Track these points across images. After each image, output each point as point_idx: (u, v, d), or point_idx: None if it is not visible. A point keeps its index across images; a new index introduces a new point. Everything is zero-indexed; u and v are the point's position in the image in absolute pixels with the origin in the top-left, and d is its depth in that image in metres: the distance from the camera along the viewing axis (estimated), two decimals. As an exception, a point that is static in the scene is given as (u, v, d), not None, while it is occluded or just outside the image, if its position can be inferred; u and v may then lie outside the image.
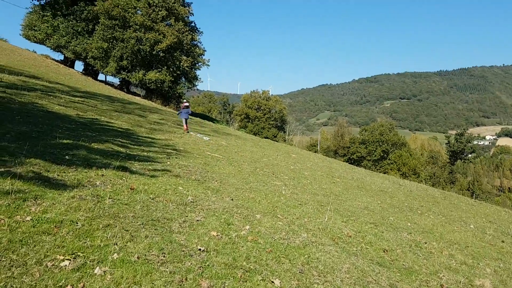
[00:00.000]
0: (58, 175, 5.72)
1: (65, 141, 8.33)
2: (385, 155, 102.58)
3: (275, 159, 17.98)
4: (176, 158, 10.29)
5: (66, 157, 6.96)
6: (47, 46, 46.90)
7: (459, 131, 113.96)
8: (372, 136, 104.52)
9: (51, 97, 16.18)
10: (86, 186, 5.62)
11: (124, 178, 6.57)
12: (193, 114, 52.13)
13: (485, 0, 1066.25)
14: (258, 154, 18.10)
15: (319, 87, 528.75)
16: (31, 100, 13.85)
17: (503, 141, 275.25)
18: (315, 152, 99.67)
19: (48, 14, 45.51)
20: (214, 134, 22.33)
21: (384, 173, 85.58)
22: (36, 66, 33.41)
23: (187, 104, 21.54)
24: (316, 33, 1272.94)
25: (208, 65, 49.46)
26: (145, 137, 13.34)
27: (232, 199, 7.45)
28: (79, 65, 51.34)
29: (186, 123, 20.10)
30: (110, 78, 52.23)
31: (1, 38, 72.68)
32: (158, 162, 9.06)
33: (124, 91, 45.35)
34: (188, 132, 18.82)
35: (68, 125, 10.85)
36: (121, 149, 9.35)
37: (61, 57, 49.64)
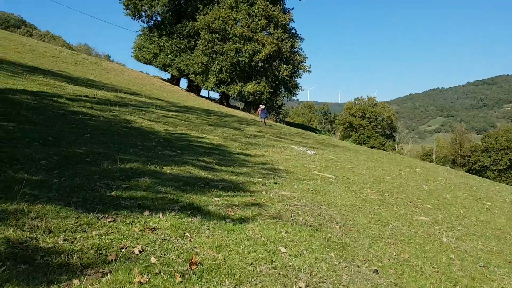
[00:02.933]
0: (64, 239, 3.33)
1: (128, 165, 6.25)
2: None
3: (400, 177, 14.40)
4: (275, 183, 7.66)
5: (113, 192, 4.73)
6: (155, 66, 49.00)
7: None
8: (496, 143, 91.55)
9: (143, 112, 14.93)
10: (109, 262, 3.13)
11: (187, 234, 4.03)
12: (292, 124, 49.88)
13: None
14: (377, 170, 14.69)
15: (429, 92, 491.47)
16: (119, 116, 12.55)
17: None
18: (430, 161, 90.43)
19: (155, 34, 47.64)
20: (318, 146, 19.42)
21: (513, 185, 73.70)
22: (141, 84, 34.22)
23: (263, 107, 29.61)
24: (423, 34, 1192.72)
25: (310, 71, 46.69)
26: (238, 153, 11.03)
27: (377, 271, 4.47)
28: (184, 83, 52.88)
29: (264, 120, 27.42)
30: (212, 94, 52.77)
31: (120, 62, 79.77)
32: (250, 192, 6.52)
33: (224, 105, 44.99)
34: (265, 124, 24.83)
35: (148, 143, 8.96)
36: (202, 173, 7.04)
37: (168, 76, 51.57)
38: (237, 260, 3.75)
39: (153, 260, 3.32)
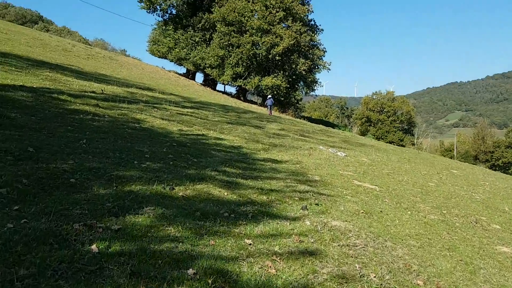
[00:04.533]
0: None
1: (128, 187, 4.72)
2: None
3: (443, 182, 12.65)
4: (316, 204, 6.04)
5: (93, 245, 3.13)
6: (170, 60, 47.68)
7: None
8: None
9: (156, 109, 13.46)
10: None
11: None
12: (311, 120, 48.09)
13: None
14: (416, 175, 12.96)
15: (447, 86, 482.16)
16: (127, 114, 11.09)
17: None
18: (451, 157, 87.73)
19: (170, 27, 46.28)
20: (346, 146, 17.71)
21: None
22: (155, 79, 32.85)
23: (270, 96, 33.47)
24: (442, 26, 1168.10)
25: (329, 69, 44.74)
26: (263, 159, 9.45)
27: None
28: (200, 77, 51.55)
29: (270, 109, 30.08)
30: (228, 88, 51.30)
31: (135, 57, 78.77)
32: (289, 220, 4.93)
33: (241, 99, 43.43)
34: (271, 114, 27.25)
35: (158, 149, 7.45)
36: (225, 193, 5.49)
37: (184, 71, 50.22)
38: None
39: None
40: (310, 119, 50.21)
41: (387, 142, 69.37)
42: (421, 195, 9.29)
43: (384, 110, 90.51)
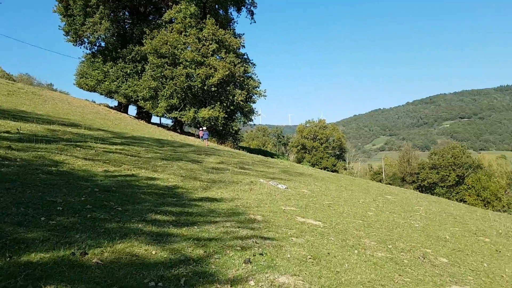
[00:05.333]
0: None
1: (25, 256, 3.75)
2: (460, 180, 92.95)
3: (381, 210, 12.66)
4: (261, 253, 5.38)
5: None
6: (99, 93, 45.54)
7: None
8: (443, 160, 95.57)
9: (79, 148, 12.21)
10: None
11: None
12: (250, 150, 48.02)
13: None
14: (355, 204, 12.88)
15: (371, 112, 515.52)
16: (44, 156, 9.82)
17: None
18: (380, 180, 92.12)
19: (99, 60, 44.41)
20: (286, 177, 17.46)
21: (461, 200, 76.21)
22: (83, 114, 30.86)
23: (204, 128, 35.58)
24: (363, 56, 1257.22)
25: (265, 96, 45.37)
26: (201, 199, 8.71)
27: None
28: (133, 110, 49.63)
29: (206, 140, 33.35)
30: (164, 120, 49.91)
31: (63, 91, 74.18)
32: (228, 283, 4.22)
33: (177, 132, 42.30)
34: (207, 146, 29.29)
35: (74, 197, 6.44)
36: (153, 252, 4.65)
37: (115, 104, 48.15)
38: None
39: None
40: (249, 149, 50.16)
41: (321, 168, 71.33)
42: (363, 228, 9.04)
43: (317, 137, 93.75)
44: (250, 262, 4.94)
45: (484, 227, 13.24)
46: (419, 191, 69.59)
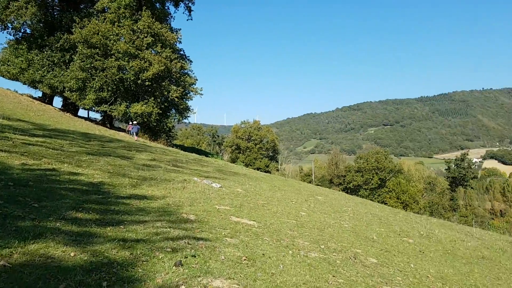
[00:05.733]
0: None
1: None
2: (382, 183, 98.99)
3: (312, 211, 12.91)
4: (193, 255, 5.09)
5: None
6: (23, 83, 41.77)
7: (459, 155, 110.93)
8: (367, 164, 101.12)
9: (-8, 138, 10.96)
10: None
11: None
12: (184, 148, 47.05)
13: (461, 26, 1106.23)
14: (288, 204, 13.00)
15: (304, 116, 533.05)
16: None
17: (490, 164, 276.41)
18: (310, 182, 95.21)
19: (23, 47, 40.78)
20: (220, 176, 17.22)
21: (383, 202, 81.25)
22: (1, 103, 28.08)
23: (135, 122, 34.86)
24: (299, 62, 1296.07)
25: (201, 94, 44.69)
26: (130, 197, 8.19)
27: None
28: (58, 102, 46.26)
29: (136, 135, 32.42)
30: (93, 114, 47.14)
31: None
32: None
33: (107, 127, 40.10)
34: (136, 140, 28.03)
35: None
36: (70, 255, 4.18)
37: (40, 94, 44.48)
38: None
39: None
40: (183, 147, 49.07)
41: (255, 168, 72.04)
42: (297, 228, 9.08)
43: (252, 138, 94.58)
44: (182, 265, 4.63)
45: (407, 228, 14.03)
46: (345, 192, 73.04)
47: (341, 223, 11.70)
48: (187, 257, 4.96)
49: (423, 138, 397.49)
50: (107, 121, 43.00)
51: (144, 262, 4.54)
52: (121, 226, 5.80)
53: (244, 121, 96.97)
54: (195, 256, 5.05)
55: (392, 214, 18.52)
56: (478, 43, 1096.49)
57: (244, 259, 5.44)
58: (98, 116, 44.79)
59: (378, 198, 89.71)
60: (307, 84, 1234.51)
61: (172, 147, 39.66)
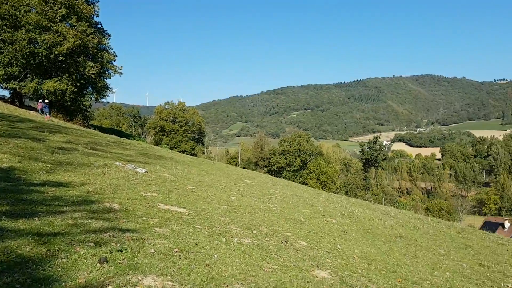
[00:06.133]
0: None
1: None
2: (304, 165, 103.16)
3: (242, 195, 12.85)
4: (120, 250, 4.66)
5: None
6: None
7: (372, 138, 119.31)
8: (291, 147, 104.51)
9: None
10: None
11: None
12: (102, 129, 44.36)
13: (374, 17, 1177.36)
14: (218, 189, 12.78)
15: (230, 99, 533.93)
16: None
17: (398, 146, 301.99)
18: (236, 164, 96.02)
19: None
20: (145, 160, 16.43)
21: (304, 183, 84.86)
22: None
23: (47, 101, 32.53)
24: (225, 44, 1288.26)
25: (121, 73, 42.26)
26: (44, 183, 7.38)
27: None
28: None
29: (46, 114, 31.23)
30: (1, 92, 42.32)
31: None
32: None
33: (16, 105, 36.32)
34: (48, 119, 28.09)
35: None
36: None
37: None
38: None
39: None
40: (102, 129, 46.21)
41: (180, 151, 70.59)
42: (228, 213, 8.91)
43: (177, 120, 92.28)
44: (107, 262, 4.19)
45: (329, 208, 14.60)
46: (270, 174, 74.85)
47: (270, 206, 11.78)
48: (112, 252, 4.51)
49: (340, 122, 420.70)
50: (17, 99, 38.97)
51: (64, 260, 4.03)
52: (36, 218, 5.14)
53: (168, 102, 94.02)
54: (122, 251, 4.62)
55: (315, 195, 19.20)
56: (390, 32, 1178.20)
57: (176, 251, 5.12)
58: (6, 94, 40.33)
59: (300, 179, 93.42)
60: (233, 66, 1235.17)
61: (90, 128, 37.17)
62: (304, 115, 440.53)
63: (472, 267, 8.43)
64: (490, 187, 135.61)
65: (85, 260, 4.14)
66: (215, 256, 5.33)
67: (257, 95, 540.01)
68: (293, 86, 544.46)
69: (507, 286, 7.15)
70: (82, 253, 4.32)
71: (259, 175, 27.37)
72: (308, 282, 5.14)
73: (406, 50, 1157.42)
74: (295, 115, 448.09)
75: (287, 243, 7.15)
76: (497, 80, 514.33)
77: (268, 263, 5.61)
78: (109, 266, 4.11)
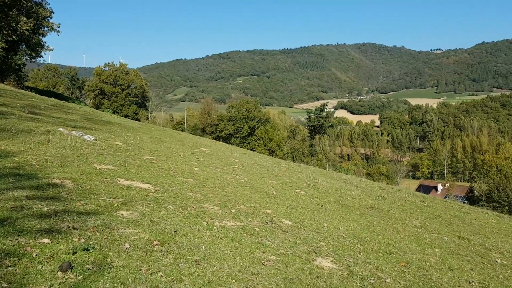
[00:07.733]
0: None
1: None
2: (252, 132, 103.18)
3: (204, 165, 11.82)
4: (85, 247, 3.57)
5: None
6: None
7: (317, 105, 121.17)
8: (239, 113, 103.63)
9: None
10: None
11: None
12: (38, 91, 40.47)
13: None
14: (177, 160, 11.64)
15: (173, 62, 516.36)
16: None
17: (340, 113, 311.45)
18: (182, 130, 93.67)
19: None
20: (91, 125, 14.72)
21: (252, 149, 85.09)
22: None
23: None
24: (168, 4, 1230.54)
25: (59, 31, 38.25)
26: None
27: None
28: None
29: None
30: None
31: None
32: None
33: None
34: None
35: None
36: None
37: None
38: None
39: None
40: (38, 91, 42.13)
41: (123, 116, 67.06)
42: (198, 188, 7.92)
43: (118, 83, 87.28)
44: (71, 268, 3.08)
45: (294, 179, 14.01)
46: (217, 140, 73.72)
47: (237, 177, 10.91)
48: (76, 252, 3.41)
49: (285, 88, 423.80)
50: None
51: (10, 269, 2.88)
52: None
53: (108, 63, 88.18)
54: (89, 249, 3.51)
55: (275, 164, 18.61)
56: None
57: (156, 244, 4.10)
58: None
59: (248, 146, 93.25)
60: (177, 27, 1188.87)
61: (24, 89, 33.57)
62: (250, 81, 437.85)
63: (453, 240, 8.22)
64: (423, 152, 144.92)
65: (41, 267, 3.02)
66: (203, 247, 4.39)
67: (202, 58, 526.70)
68: (239, 51, 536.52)
69: (496, 261, 6.97)
70: (34, 255, 3.18)
71: (214, 142, 26.28)
72: (317, 277, 4.38)
73: (349, 18, 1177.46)
74: (241, 81, 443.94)
75: (272, 223, 6.34)
76: (433, 50, 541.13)
77: (263, 252, 4.78)
78: (76, 276, 3.03)
